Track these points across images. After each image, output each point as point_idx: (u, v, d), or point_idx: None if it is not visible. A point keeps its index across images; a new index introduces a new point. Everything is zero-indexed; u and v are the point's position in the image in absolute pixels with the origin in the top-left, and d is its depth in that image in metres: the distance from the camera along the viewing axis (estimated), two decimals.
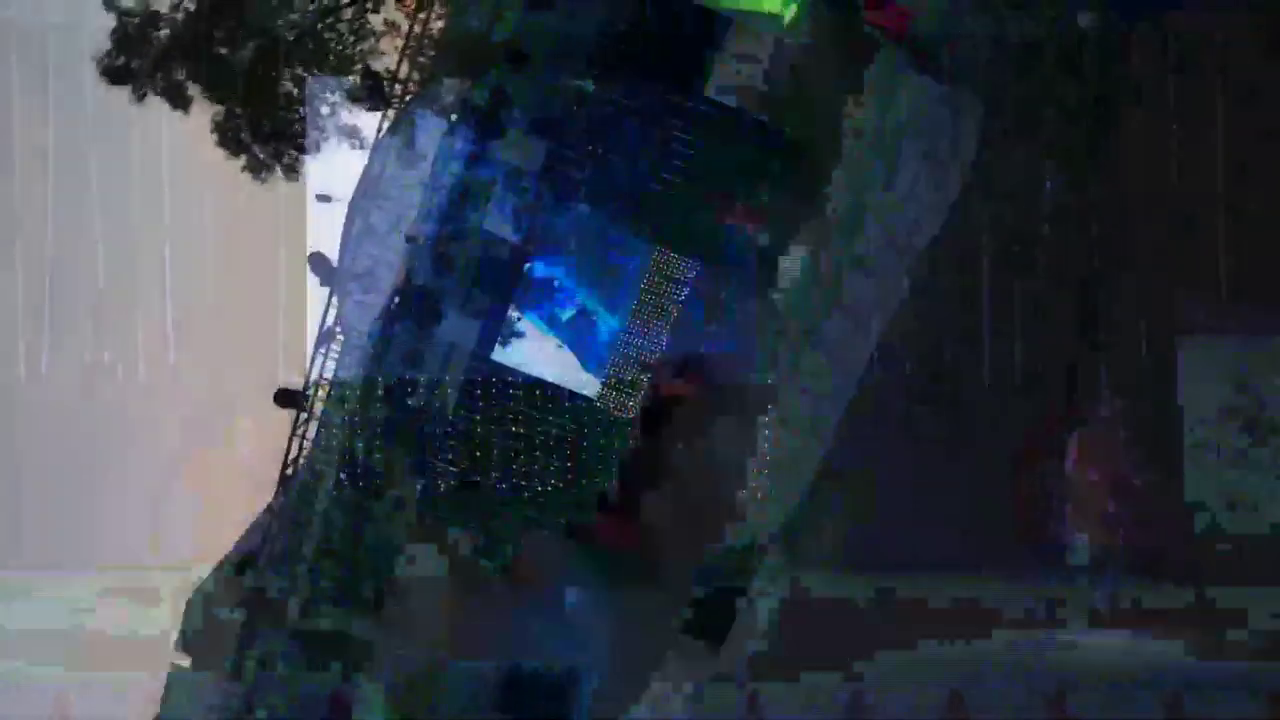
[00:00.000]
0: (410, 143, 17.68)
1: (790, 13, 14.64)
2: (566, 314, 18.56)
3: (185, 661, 25.60)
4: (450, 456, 21.76)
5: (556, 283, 18.57)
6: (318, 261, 17.48)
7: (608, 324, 18.20)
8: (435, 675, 22.78)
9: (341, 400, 19.22)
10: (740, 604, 12.38)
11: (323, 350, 18.69)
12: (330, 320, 18.67)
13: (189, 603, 23.91)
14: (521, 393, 18.71)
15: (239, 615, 20.61)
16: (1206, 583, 12.72)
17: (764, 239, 16.17)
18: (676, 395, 16.86)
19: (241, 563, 19.72)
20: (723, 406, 15.77)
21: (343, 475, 17.77)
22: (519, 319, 18.20)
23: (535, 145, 21.55)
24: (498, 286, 18.39)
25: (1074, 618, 12.90)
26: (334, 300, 18.37)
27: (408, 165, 18.66)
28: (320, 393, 19.02)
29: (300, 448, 19.08)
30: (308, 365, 18.89)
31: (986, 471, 13.24)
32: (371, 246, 18.43)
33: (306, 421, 19.04)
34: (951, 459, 12.86)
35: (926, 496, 13.21)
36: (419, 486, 22.10)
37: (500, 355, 18.65)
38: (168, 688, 22.26)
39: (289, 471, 19.11)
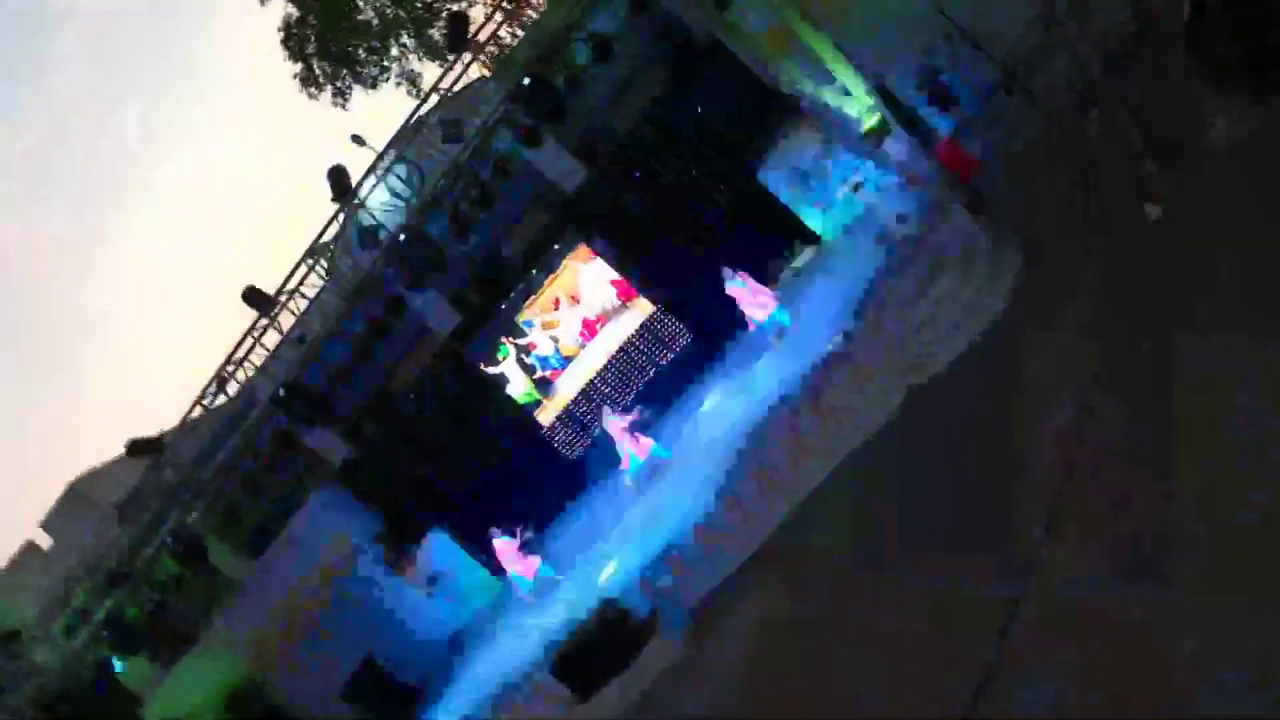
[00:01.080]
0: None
1: (871, 122, 14.88)
2: None
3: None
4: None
5: None
6: (335, 175, 17.16)
7: None
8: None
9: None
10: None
11: (309, 262, 18.29)
12: (328, 235, 18.28)
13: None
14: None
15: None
16: None
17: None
18: None
19: (138, 447, 19.00)
20: None
21: (280, 392, 17.18)
22: None
23: (573, 167, 21.72)
24: None
25: None
26: (340, 217, 17.97)
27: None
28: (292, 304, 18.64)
29: (249, 351, 18.59)
30: (289, 272, 18.47)
31: None
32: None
33: (265, 329, 18.65)
34: None
35: None
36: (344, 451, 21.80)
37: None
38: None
39: (230, 369, 18.58)
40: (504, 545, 17.28)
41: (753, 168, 19.08)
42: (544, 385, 21.16)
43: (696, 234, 19.64)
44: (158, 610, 22.43)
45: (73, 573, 20.81)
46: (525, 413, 21.23)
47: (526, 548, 18.08)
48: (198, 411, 18.90)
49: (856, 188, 15.09)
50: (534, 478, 21.20)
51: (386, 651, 21.10)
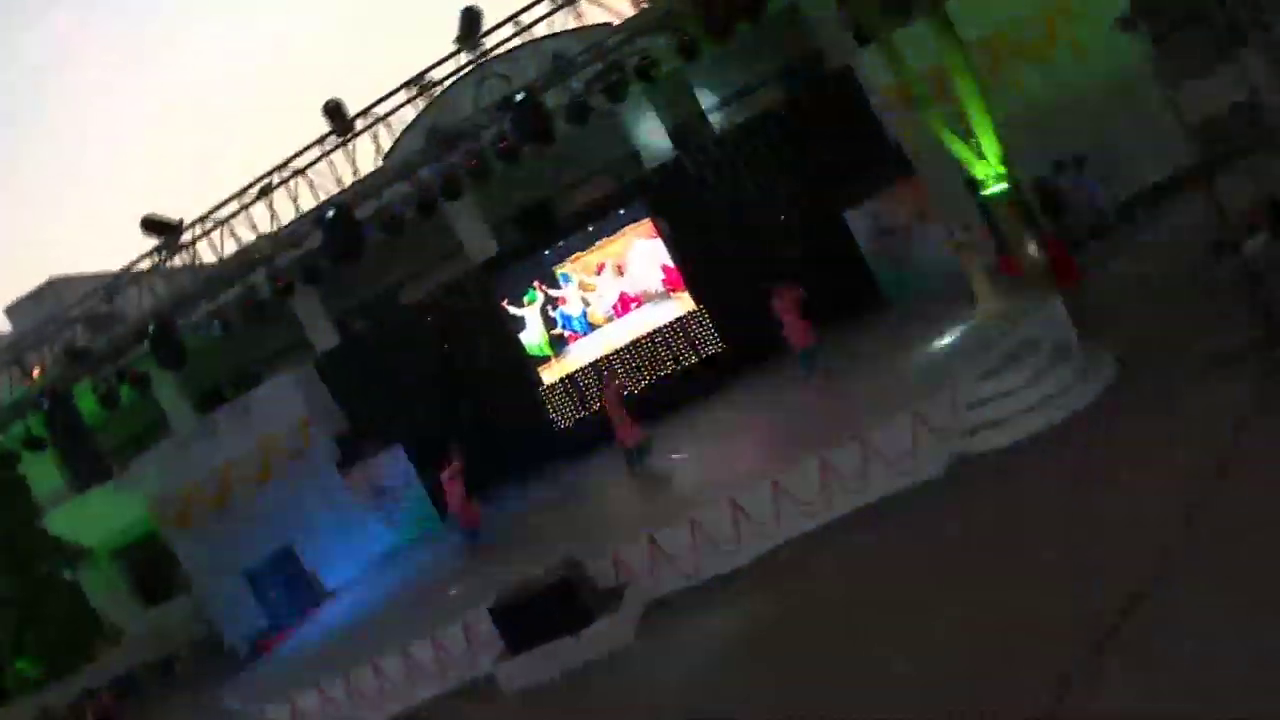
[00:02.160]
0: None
1: (994, 190, 14.25)
2: None
3: None
4: None
5: None
6: (468, 15, 16.33)
7: None
8: None
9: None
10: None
11: (410, 91, 17.33)
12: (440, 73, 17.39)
13: None
14: None
15: None
16: None
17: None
18: None
19: (153, 223, 17.79)
20: None
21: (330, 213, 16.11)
22: None
23: (662, 146, 21.09)
24: None
25: None
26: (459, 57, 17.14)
27: None
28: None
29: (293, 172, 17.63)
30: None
31: None
32: None
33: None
34: None
35: None
36: None
37: None
38: None
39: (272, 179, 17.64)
40: (455, 486, 16.34)
41: (840, 208, 18.45)
42: (559, 343, 20.33)
43: (763, 251, 18.97)
44: (87, 432, 21.51)
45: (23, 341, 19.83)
46: (530, 365, 20.39)
47: (476, 497, 17.17)
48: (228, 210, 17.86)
49: (957, 247, 14.47)
50: (515, 432, 20.42)
51: (308, 550, 20.14)
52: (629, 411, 16.08)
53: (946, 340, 13.69)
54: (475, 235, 21.70)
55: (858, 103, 18.66)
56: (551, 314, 20.27)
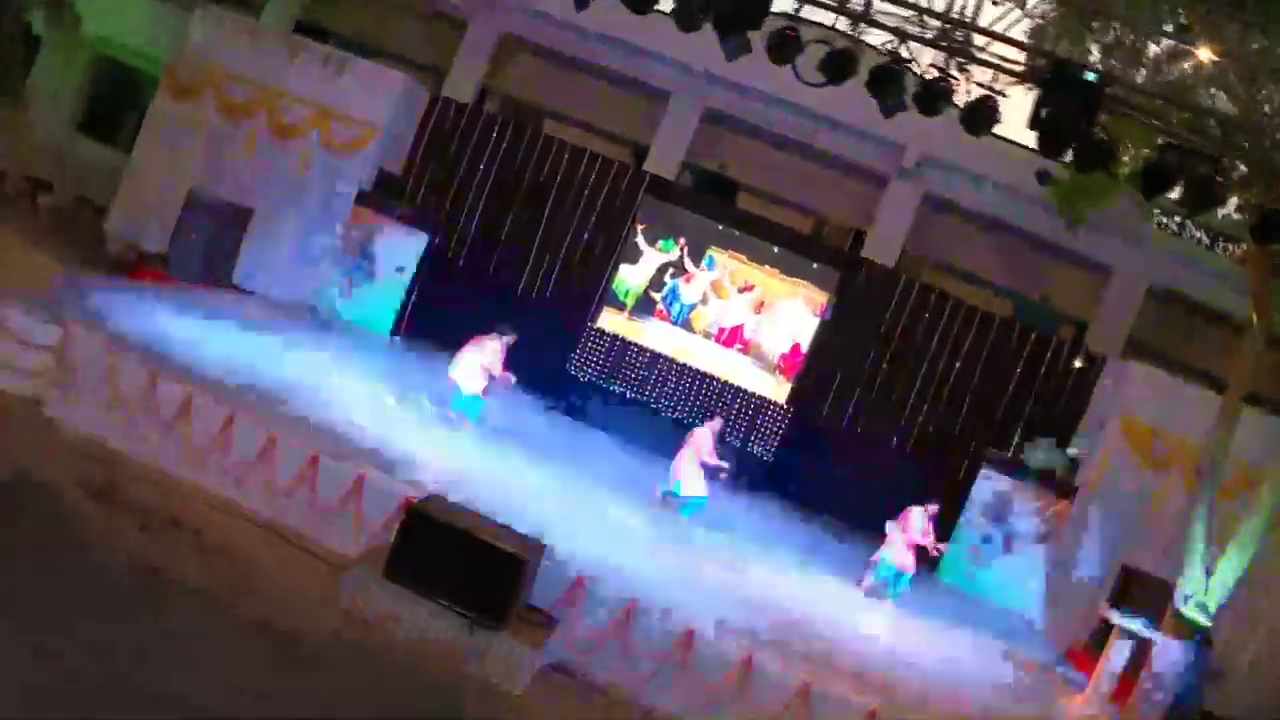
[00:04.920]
0: None
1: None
2: None
3: None
4: None
5: None
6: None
7: None
8: None
9: None
10: None
11: None
12: None
13: None
14: None
15: None
16: None
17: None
18: None
19: None
20: None
21: None
22: None
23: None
24: None
25: None
26: None
27: None
28: None
29: None
30: None
31: None
32: None
33: None
34: None
35: None
36: None
37: None
38: None
39: None
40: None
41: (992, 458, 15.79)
42: (644, 306, 17.21)
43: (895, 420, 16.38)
44: None
45: None
46: (599, 298, 17.26)
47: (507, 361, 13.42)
48: None
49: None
50: (541, 336, 16.79)
51: (260, 231, 16.68)
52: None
53: None
54: (672, 137, 18.45)
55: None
56: (665, 278, 17.18)
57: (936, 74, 10.21)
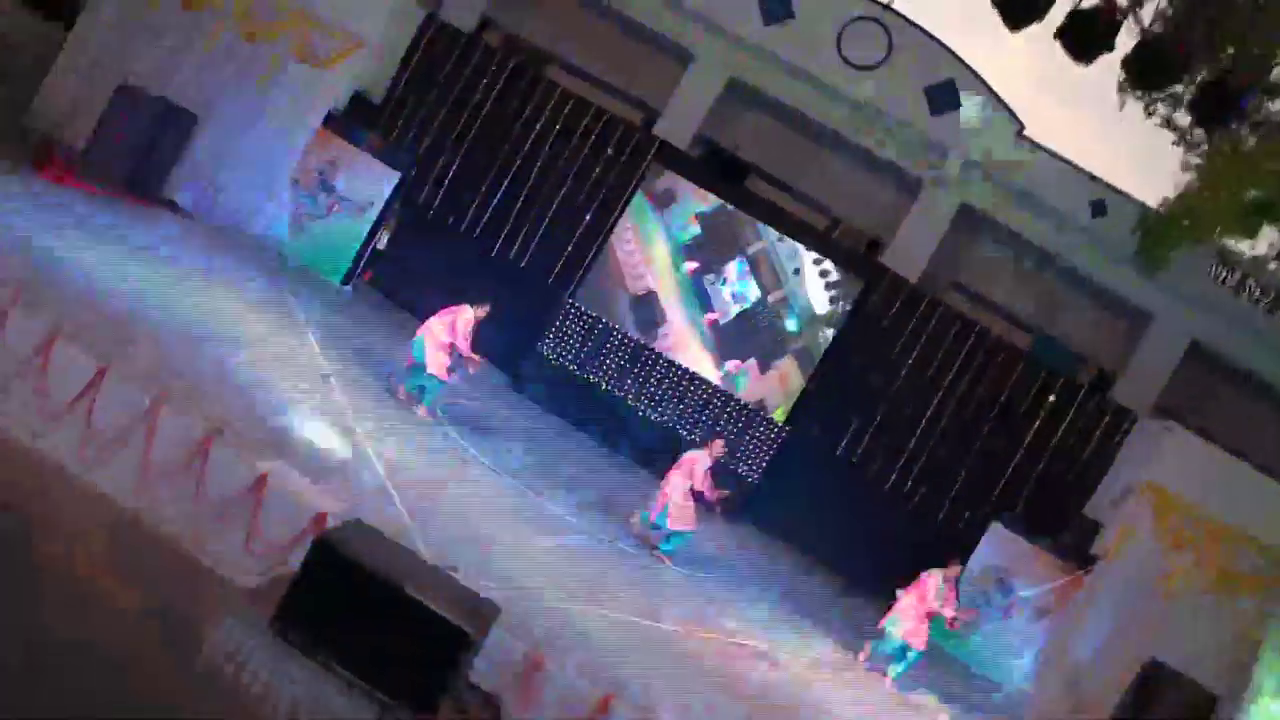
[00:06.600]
0: None
1: None
2: None
3: None
4: None
5: None
6: None
7: None
8: None
9: None
10: None
11: None
12: None
13: None
14: None
15: None
16: None
17: None
18: None
19: None
20: None
21: None
22: None
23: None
24: None
25: None
26: None
27: None
28: None
29: None
30: None
31: None
32: None
33: None
34: None
35: None
36: None
37: None
38: None
39: None
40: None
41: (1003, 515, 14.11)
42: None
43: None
44: None
45: None
46: (585, 270, 15.20)
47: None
48: None
49: None
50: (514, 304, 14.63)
51: (201, 140, 14.29)
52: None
53: None
54: (688, 104, 16.37)
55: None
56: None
57: None
